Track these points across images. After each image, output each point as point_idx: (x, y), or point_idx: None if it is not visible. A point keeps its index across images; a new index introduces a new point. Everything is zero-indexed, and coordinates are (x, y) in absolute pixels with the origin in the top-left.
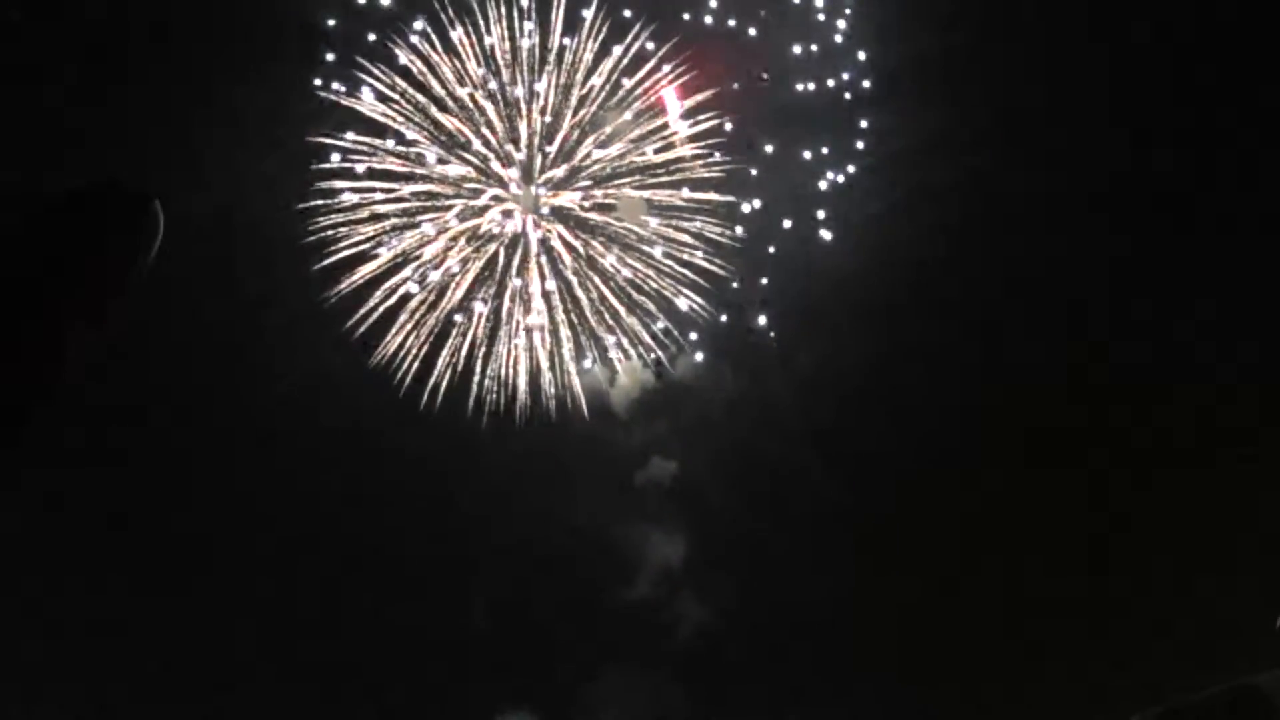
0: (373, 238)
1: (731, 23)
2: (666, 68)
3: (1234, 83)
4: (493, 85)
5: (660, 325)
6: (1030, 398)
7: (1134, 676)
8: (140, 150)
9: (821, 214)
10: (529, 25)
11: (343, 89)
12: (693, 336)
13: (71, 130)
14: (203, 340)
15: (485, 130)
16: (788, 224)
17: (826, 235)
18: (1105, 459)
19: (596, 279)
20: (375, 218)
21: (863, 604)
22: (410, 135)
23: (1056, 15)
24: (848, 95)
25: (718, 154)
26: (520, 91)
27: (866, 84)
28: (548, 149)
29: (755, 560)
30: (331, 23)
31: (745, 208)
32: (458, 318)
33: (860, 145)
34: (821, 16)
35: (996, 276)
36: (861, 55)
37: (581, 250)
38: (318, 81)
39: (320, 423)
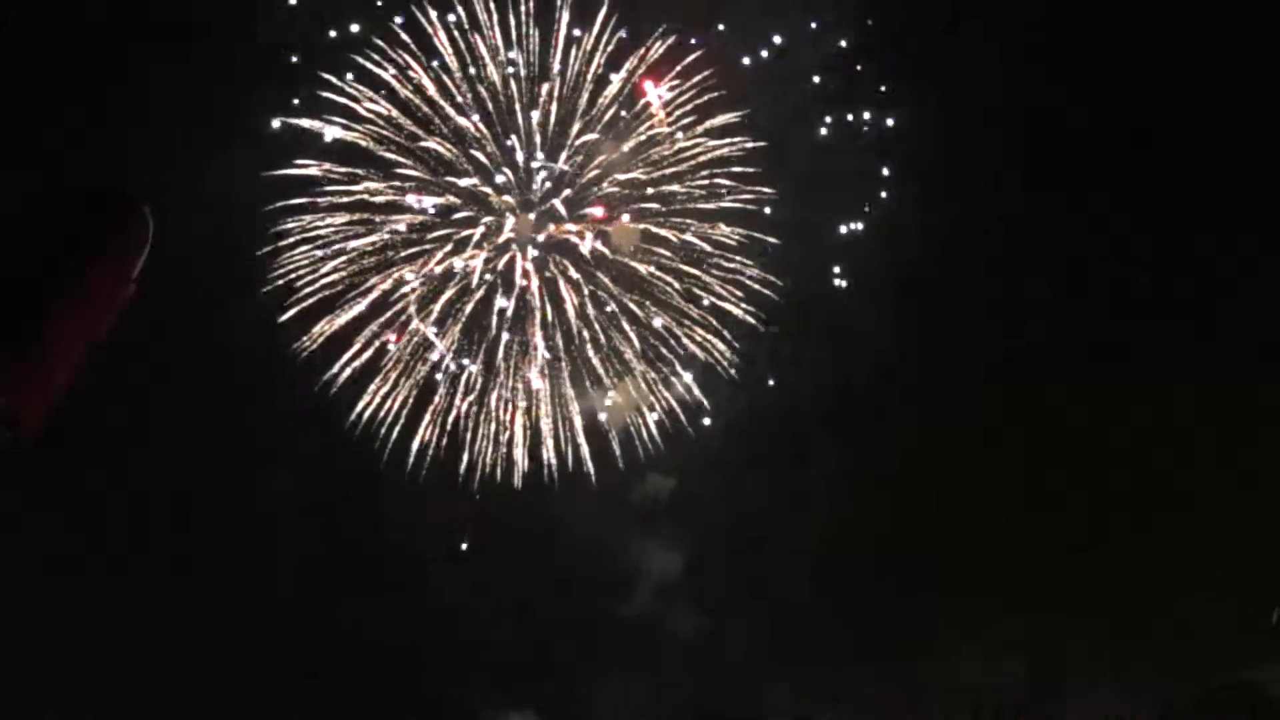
0: (354, 277)
1: (745, 61)
2: (668, 95)
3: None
4: (490, 107)
5: (673, 387)
6: (1030, 398)
7: (1132, 672)
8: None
9: (837, 269)
10: (514, 53)
11: (319, 120)
12: (704, 404)
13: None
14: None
15: (479, 154)
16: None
17: (840, 283)
18: (1102, 458)
19: (600, 322)
20: (355, 257)
21: (858, 611)
22: (395, 164)
23: (1085, 59)
24: (865, 127)
25: (726, 191)
26: (518, 117)
27: (890, 121)
28: (545, 176)
29: (752, 570)
30: (295, 59)
31: (753, 267)
32: (439, 376)
33: (884, 194)
34: (842, 43)
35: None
36: (883, 88)
37: (584, 286)
38: (278, 120)
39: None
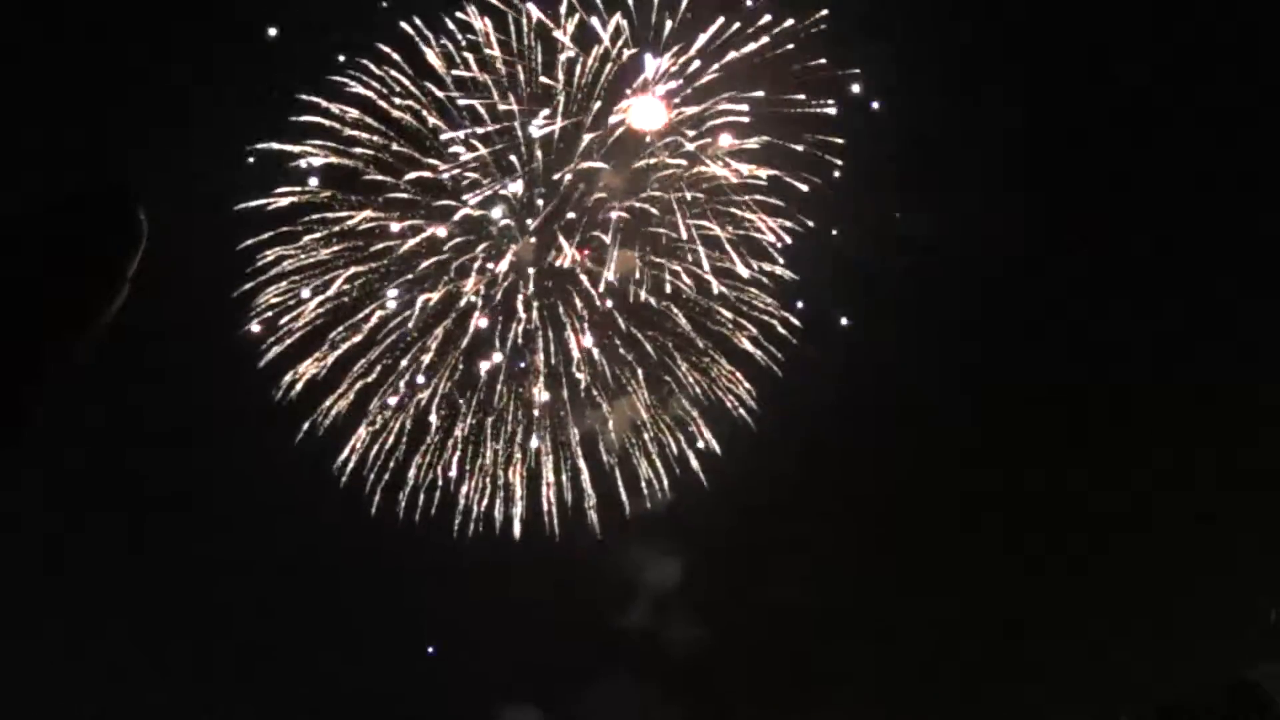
0: (342, 309)
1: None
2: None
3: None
4: (490, 130)
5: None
6: (1029, 399)
7: (1131, 672)
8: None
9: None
10: (515, 72)
11: (308, 145)
12: (716, 449)
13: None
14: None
15: (480, 177)
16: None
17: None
18: (1101, 457)
19: (601, 350)
20: (347, 286)
21: (855, 617)
22: (390, 188)
23: (1106, 96)
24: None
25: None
26: (519, 140)
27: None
28: (547, 196)
29: (750, 580)
30: (283, 82)
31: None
32: (433, 419)
33: (897, 234)
34: (856, 88)
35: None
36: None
37: (585, 314)
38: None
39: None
